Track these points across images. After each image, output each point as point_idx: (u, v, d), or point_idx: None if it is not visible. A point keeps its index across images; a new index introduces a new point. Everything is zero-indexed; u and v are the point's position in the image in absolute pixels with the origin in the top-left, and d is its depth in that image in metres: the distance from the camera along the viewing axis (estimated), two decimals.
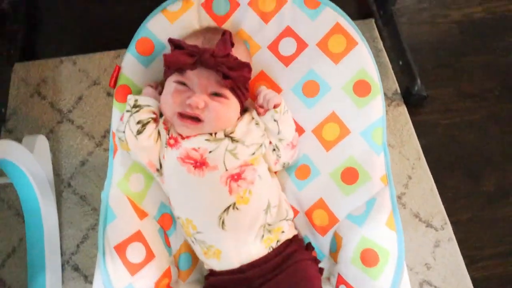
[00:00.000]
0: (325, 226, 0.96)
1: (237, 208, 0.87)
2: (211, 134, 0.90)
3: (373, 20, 1.68)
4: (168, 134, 0.92)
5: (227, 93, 0.90)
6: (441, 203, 1.40)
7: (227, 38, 0.90)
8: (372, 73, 0.97)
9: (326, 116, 0.99)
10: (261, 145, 0.94)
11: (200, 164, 0.88)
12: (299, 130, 1.01)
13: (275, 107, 0.93)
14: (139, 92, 1.00)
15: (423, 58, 1.61)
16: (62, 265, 1.29)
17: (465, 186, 1.44)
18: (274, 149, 0.98)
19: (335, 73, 0.98)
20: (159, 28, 1.00)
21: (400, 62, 1.55)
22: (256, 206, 0.89)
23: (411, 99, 1.52)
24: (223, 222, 0.87)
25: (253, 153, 0.92)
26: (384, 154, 0.95)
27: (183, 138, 0.90)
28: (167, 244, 0.97)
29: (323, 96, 0.99)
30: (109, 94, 1.53)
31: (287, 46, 1.01)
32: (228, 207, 0.87)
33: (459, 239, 1.37)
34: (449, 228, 1.37)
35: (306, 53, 1.00)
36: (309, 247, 0.97)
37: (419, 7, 1.72)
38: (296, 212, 1.00)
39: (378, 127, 0.95)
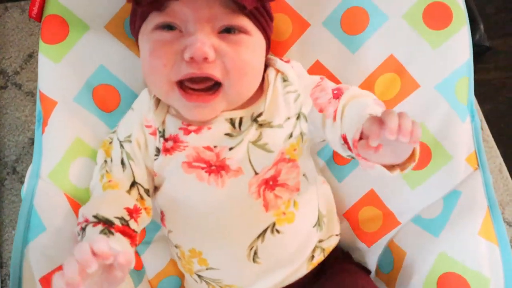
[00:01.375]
0: (375, 232, 0.78)
1: (277, 231, 0.66)
2: (232, 123, 0.66)
3: None
4: (163, 137, 0.65)
5: (247, 24, 0.63)
6: None
7: None
8: None
9: (380, 63, 0.75)
10: (298, 116, 0.67)
11: (217, 168, 0.64)
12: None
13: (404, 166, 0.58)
14: (80, 28, 0.71)
15: (480, 1, 1.43)
16: (2, 281, 1.10)
17: None
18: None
19: None
20: None
21: None
22: (305, 223, 0.69)
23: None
24: (255, 253, 0.65)
25: (290, 135, 0.66)
26: (472, 120, 0.73)
27: (188, 132, 0.65)
28: (135, 267, 0.74)
29: (374, 32, 0.75)
30: None
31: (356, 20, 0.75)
32: (264, 231, 0.65)
33: None
34: None
35: None
36: (347, 256, 0.80)
37: None
38: None
39: (463, 76, 0.73)
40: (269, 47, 0.69)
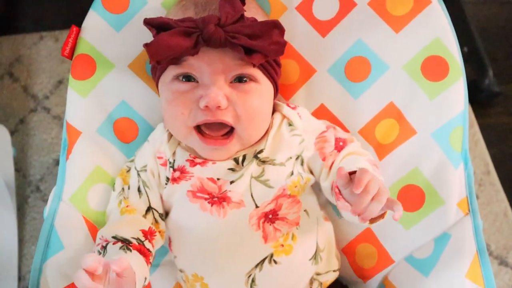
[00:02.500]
0: (370, 269, 0.79)
1: (275, 262, 0.69)
2: (236, 160, 0.71)
3: None
4: (172, 167, 0.72)
5: (256, 73, 0.68)
6: None
7: None
8: (450, 45, 0.76)
9: (381, 109, 0.78)
10: (298, 157, 0.72)
11: (219, 199, 0.69)
12: (342, 129, 0.79)
13: (374, 220, 0.65)
14: (106, 67, 0.77)
15: (492, 45, 1.43)
16: None
17: None
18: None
19: (394, 46, 0.78)
20: None
21: (465, 49, 1.37)
22: (302, 256, 0.71)
23: (479, 96, 1.34)
24: (253, 281, 0.69)
25: (291, 173, 0.71)
26: (465, 167, 0.76)
27: (194, 164, 0.70)
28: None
29: (376, 80, 0.78)
30: None
31: (326, 7, 0.79)
32: (262, 261, 0.69)
33: None
34: None
35: (353, 17, 0.78)
36: None
37: None
38: None
39: (458, 125, 0.76)
40: (277, 92, 0.74)
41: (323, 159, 0.71)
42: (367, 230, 0.77)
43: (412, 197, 0.75)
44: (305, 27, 0.78)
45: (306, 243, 0.71)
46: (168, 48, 0.63)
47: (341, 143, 0.72)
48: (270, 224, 0.68)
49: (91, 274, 0.53)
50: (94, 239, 0.71)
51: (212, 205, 0.68)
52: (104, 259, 0.55)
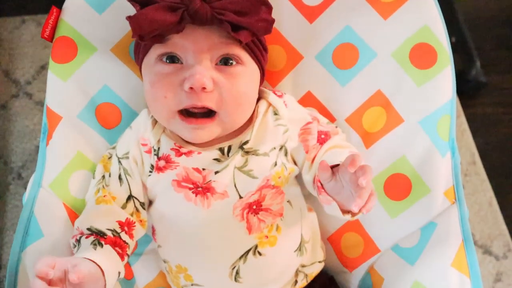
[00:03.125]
0: (356, 258, 0.79)
1: (259, 253, 0.68)
2: (221, 150, 0.69)
3: None
4: (157, 155, 0.70)
5: (243, 54, 0.67)
6: (503, 222, 1.21)
7: None
8: (439, 33, 0.75)
9: (368, 97, 0.78)
10: (282, 147, 0.71)
11: (203, 189, 0.67)
12: (328, 117, 0.78)
13: (355, 213, 0.63)
14: (88, 50, 0.75)
15: (479, 36, 1.43)
16: (1, 282, 1.11)
17: None
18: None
19: (383, 32, 0.76)
20: None
21: (453, 39, 1.36)
22: (287, 247, 0.71)
23: (465, 86, 1.34)
24: (237, 273, 0.68)
25: (275, 164, 0.69)
26: (452, 156, 0.75)
27: (179, 154, 0.68)
28: (126, 277, 0.74)
29: (363, 67, 0.77)
30: None
31: None
32: (247, 253, 0.68)
33: None
34: None
35: (342, 2, 0.77)
36: (332, 282, 0.81)
37: None
38: None
39: (445, 114, 0.75)
40: (263, 77, 0.72)
41: (306, 152, 0.70)
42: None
43: (399, 186, 0.75)
44: (292, 13, 0.77)
45: (291, 234, 0.70)
46: (152, 22, 0.61)
47: (323, 136, 0.71)
48: (254, 215, 0.67)
49: (48, 280, 0.52)
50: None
51: (196, 195, 0.67)
52: (61, 261, 0.53)
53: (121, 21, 0.73)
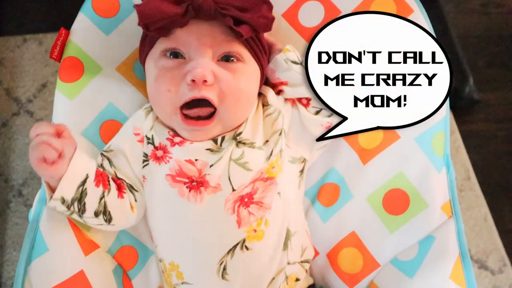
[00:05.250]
0: (357, 274, 0.79)
1: (246, 248, 0.68)
2: (215, 140, 0.70)
3: None
4: (152, 144, 0.71)
5: (243, 52, 0.69)
6: (498, 237, 1.21)
7: None
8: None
9: None
10: (280, 133, 0.72)
11: (197, 184, 0.68)
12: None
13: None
14: (94, 69, 0.76)
15: (472, 54, 1.45)
16: None
17: None
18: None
19: None
20: None
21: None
22: (273, 242, 0.71)
23: (459, 103, 1.35)
24: (224, 269, 0.69)
25: (269, 156, 0.71)
26: (447, 171, 0.77)
27: (173, 144, 0.69)
28: None
29: None
30: None
31: (311, 14, 0.80)
32: (234, 247, 0.68)
33: None
34: (509, 271, 1.17)
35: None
36: None
37: None
38: (316, 253, 0.83)
39: (440, 131, 0.77)
40: (264, 78, 0.74)
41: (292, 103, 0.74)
42: (351, 234, 0.78)
43: (397, 201, 0.76)
44: (291, 33, 0.79)
45: (277, 228, 0.71)
46: (158, 11, 0.63)
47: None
48: (245, 208, 0.68)
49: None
50: (79, 241, 0.71)
51: (190, 190, 0.68)
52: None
53: (127, 42, 0.76)
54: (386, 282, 0.75)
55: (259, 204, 0.69)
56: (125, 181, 0.71)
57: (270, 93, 0.73)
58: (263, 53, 0.72)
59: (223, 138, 0.70)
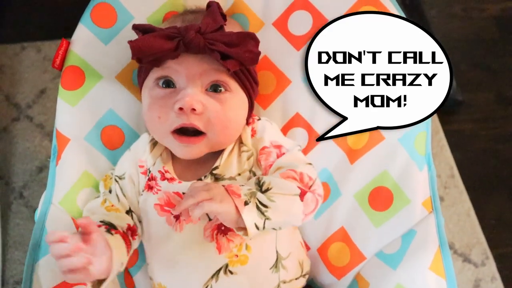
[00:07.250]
0: (344, 266, 0.81)
1: (230, 272, 0.69)
2: (199, 179, 0.72)
3: None
4: (147, 175, 0.75)
5: (231, 82, 0.71)
6: (480, 231, 1.24)
7: (214, 9, 0.70)
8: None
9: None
10: (250, 171, 0.74)
11: (180, 213, 0.69)
12: (315, 136, 0.82)
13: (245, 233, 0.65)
14: (95, 78, 0.79)
15: (455, 57, 1.44)
16: None
17: (510, 211, 1.29)
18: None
19: None
20: None
21: None
22: (260, 266, 0.71)
23: (443, 104, 1.28)
24: None
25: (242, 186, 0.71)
26: (429, 169, 0.80)
27: (163, 178, 0.73)
28: (126, 284, 0.80)
29: None
30: None
31: (300, 22, 0.82)
32: (218, 271, 0.69)
33: (505, 278, 1.19)
34: (491, 264, 1.20)
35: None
36: None
37: None
38: (307, 248, 0.84)
39: (422, 131, 0.80)
40: (253, 106, 0.76)
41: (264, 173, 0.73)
42: (340, 229, 0.81)
43: (382, 198, 0.79)
44: (281, 41, 0.82)
45: (264, 252, 0.71)
46: (150, 46, 0.66)
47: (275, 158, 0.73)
48: (223, 236, 0.69)
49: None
50: None
51: (176, 220, 0.70)
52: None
53: (125, 51, 0.76)
54: (371, 273, 0.78)
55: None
56: (136, 215, 0.74)
57: (246, 133, 0.74)
58: (252, 83, 0.74)
59: (205, 177, 0.72)
